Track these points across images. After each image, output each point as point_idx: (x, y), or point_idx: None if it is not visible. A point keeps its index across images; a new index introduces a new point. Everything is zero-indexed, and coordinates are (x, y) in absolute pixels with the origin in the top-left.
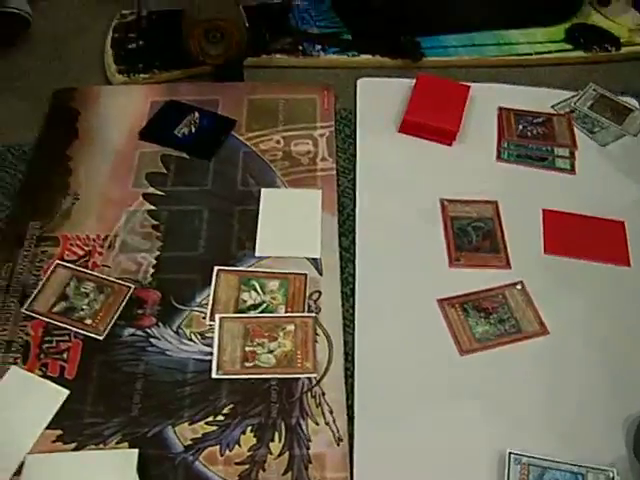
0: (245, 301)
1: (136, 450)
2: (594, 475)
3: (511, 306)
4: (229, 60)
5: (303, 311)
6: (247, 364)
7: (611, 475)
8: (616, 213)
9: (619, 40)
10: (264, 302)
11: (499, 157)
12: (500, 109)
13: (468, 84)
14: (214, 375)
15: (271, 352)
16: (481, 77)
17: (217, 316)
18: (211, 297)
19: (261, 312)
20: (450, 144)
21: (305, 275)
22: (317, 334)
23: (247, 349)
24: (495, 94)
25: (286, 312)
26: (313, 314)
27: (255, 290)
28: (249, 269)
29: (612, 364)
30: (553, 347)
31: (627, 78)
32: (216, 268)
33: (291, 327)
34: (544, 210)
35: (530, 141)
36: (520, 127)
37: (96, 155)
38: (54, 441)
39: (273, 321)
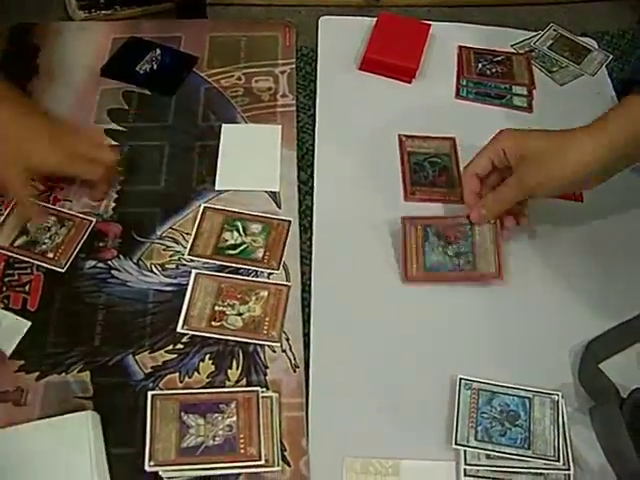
0: (226, 240)
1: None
2: (540, 399)
3: (475, 240)
4: None
5: (281, 258)
6: (214, 323)
7: (556, 399)
8: None
9: None
10: (244, 243)
11: (458, 95)
12: (460, 48)
13: (429, 23)
14: (179, 329)
15: (240, 315)
16: (443, 16)
17: (193, 272)
18: (193, 233)
19: (240, 252)
20: (410, 81)
21: (289, 222)
22: None
23: (217, 308)
24: (456, 33)
25: (264, 257)
26: (289, 283)
27: (238, 231)
28: (235, 210)
29: (561, 295)
30: (507, 278)
31: (587, 19)
32: (202, 205)
33: (264, 293)
34: None
35: (489, 79)
36: (479, 65)
37: (57, 91)
38: (16, 371)
39: (248, 284)
